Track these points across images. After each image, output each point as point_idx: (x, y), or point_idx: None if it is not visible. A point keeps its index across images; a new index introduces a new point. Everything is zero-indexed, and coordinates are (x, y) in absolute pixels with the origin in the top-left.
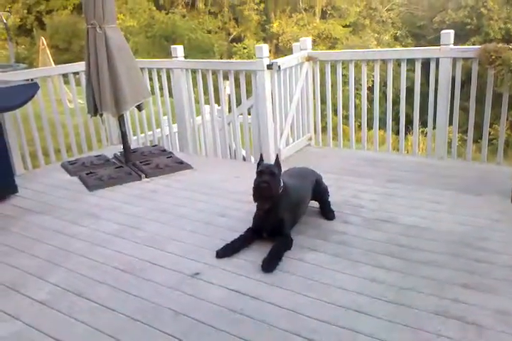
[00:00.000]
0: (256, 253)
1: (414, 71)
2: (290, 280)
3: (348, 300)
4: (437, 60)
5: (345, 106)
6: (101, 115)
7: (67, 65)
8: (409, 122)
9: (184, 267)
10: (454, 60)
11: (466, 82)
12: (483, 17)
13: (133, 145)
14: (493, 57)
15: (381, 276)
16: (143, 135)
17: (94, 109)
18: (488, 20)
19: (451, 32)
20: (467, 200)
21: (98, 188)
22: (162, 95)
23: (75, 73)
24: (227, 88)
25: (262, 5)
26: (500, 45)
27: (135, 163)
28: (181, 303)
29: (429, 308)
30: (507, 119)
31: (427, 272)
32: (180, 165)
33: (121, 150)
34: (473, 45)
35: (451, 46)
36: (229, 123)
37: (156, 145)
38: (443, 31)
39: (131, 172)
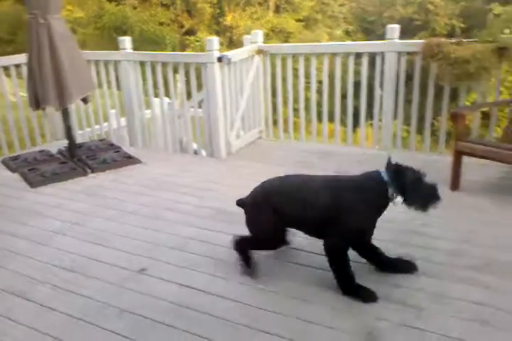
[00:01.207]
0: (205, 247)
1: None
2: (239, 272)
3: (296, 291)
4: (383, 54)
5: (296, 99)
6: (43, 109)
7: (8, 56)
8: (357, 115)
9: (130, 263)
10: (399, 54)
11: (412, 76)
12: (430, 13)
13: (79, 140)
14: (435, 51)
15: (324, 264)
16: (90, 129)
17: (36, 103)
18: (435, 16)
19: (397, 26)
20: None
21: (41, 185)
22: (110, 87)
23: (17, 65)
24: (178, 81)
25: None
26: (442, 39)
27: (81, 158)
28: (127, 300)
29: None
30: (448, 111)
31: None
32: (129, 160)
33: (66, 145)
34: (421, 39)
35: (396, 40)
36: (179, 117)
37: (103, 140)
38: (388, 26)
39: (77, 167)
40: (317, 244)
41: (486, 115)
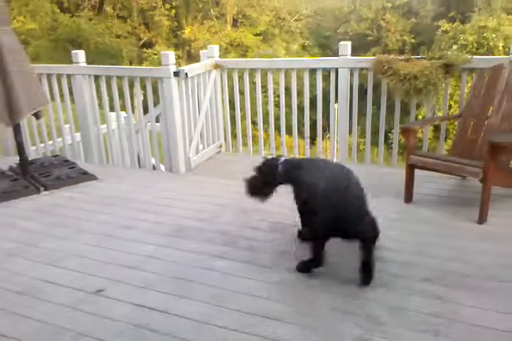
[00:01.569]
0: (163, 265)
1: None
2: (198, 290)
3: (256, 306)
4: (336, 70)
5: (255, 113)
6: None
7: None
8: (315, 128)
9: (86, 284)
10: (352, 69)
11: (366, 90)
12: (382, 29)
13: (31, 156)
14: (385, 67)
15: (288, 279)
16: (43, 145)
17: None
18: (387, 32)
19: (348, 43)
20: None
21: None
22: (63, 101)
23: None
24: (136, 95)
25: (173, 11)
26: (391, 56)
27: (33, 175)
28: (83, 323)
29: (331, 306)
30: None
31: (330, 272)
32: (84, 176)
33: (18, 161)
34: (374, 55)
35: (349, 57)
36: (137, 131)
37: (57, 156)
38: (341, 42)
39: (29, 185)
40: None
41: (438, 128)
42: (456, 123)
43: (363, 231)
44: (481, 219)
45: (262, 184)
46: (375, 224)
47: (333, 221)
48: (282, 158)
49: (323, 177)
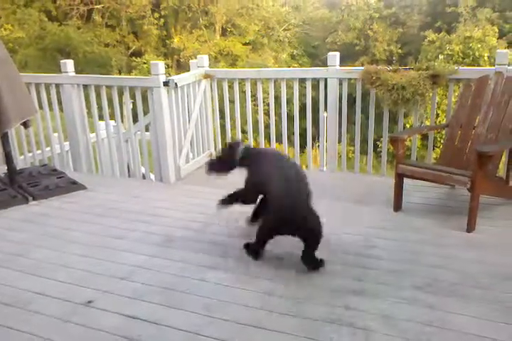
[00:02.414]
0: (153, 276)
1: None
2: (189, 300)
3: (247, 317)
4: (325, 80)
5: (245, 122)
6: None
7: None
8: (305, 136)
9: (75, 296)
10: (341, 79)
11: (355, 99)
12: (370, 39)
13: (20, 166)
14: (373, 78)
15: (278, 288)
16: (31, 154)
17: None
18: (374, 42)
19: (337, 54)
20: (356, 210)
21: None
22: (52, 110)
23: None
24: (126, 104)
25: (162, 20)
26: (379, 67)
27: (21, 185)
28: (73, 335)
29: (324, 317)
30: (389, 134)
31: (321, 282)
32: (73, 186)
33: (6, 171)
34: (362, 64)
35: (337, 67)
36: (126, 141)
37: (45, 165)
38: (329, 53)
39: (17, 195)
40: None
41: (425, 136)
42: (443, 132)
43: (308, 231)
44: (470, 228)
45: (220, 165)
46: (319, 223)
47: (281, 222)
48: (242, 146)
49: (277, 175)
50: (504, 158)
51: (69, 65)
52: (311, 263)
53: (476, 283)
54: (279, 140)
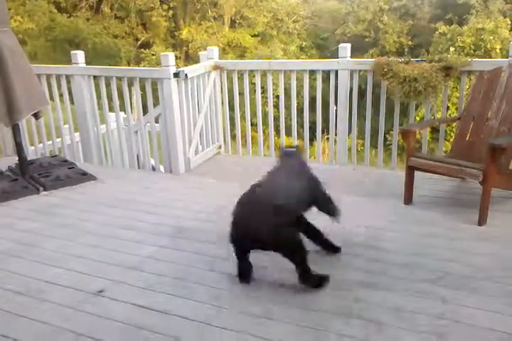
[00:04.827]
0: (163, 266)
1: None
2: (199, 291)
3: (257, 308)
4: (336, 72)
5: (254, 114)
6: None
7: None
8: (314, 129)
9: (87, 285)
10: (352, 71)
11: (365, 91)
12: (380, 31)
13: (30, 157)
14: (385, 69)
15: (289, 280)
16: (42, 145)
17: None
18: (384, 34)
19: (348, 45)
20: (366, 203)
21: None
22: (63, 102)
23: None
24: (134, 95)
25: (171, 11)
26: (391, 58)
27: (32, 176)
28: (84, 324)
29: (333, 309)
30: (399, 126)
31: (331, 274)
32: (84, 177)
33: (17, 161)
34: (372, 56)
35: (348, 59)
36: (136, 132)
37: (56, 156)
38: (341, 45)
39: (28, 185)
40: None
41: (435, 129)
42: (453, 125)
43: (275, 245)
44: (481, 221)
45: None
46: (290, 238)
47: (234, 235)
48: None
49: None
50: None
51: (80, 56)
52: (306, 281)
53: (488, 276)
54: (288, 133)
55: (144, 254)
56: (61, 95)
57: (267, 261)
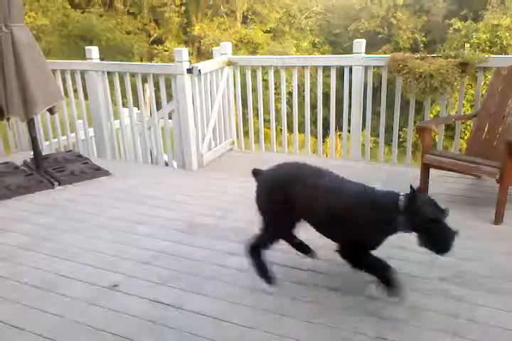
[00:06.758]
0: (177, 261)
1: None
2: (212, 286)
3: (270, 303)
4: (350, 68)
5: (267, 111)
6: (8, 119)
7: None
8: (327, 126)
9: (101, 279)
10: (366, 67)
11: (379, 88)
12: (393, 27)
13: (45, 151)
14: (400, 65)
15: (301, 277)
16: (56, 140)
17: (0, 113)
18: (398, 30)
19: (363, 41)
20: None
21: (5, 198)
22: (77, 97)
23: None
24: (147, 91)
25: (183, 7)
26: (406, 54)
27: (47, 170)
28: (99, 318)
29: (348, 306)
30: (414, 123)
31: (346, 271)
32: (98, 172)
33: (32, 156)
34: (385, 53)
35: (363, 55)
36: (149, 128)
37: (70, 151)
38: (355, 40)
39: (43, 180)
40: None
41: (449, 126)
42: (468, 122)
43: None
44: (497, 220)
45: None
46: None
47: None
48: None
49: None
50: None
51: (94, 51)
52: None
53: (505, 276)
54: (301, 129)
55: (157, 249)
56: (75, 90)
57: (280, 259)
